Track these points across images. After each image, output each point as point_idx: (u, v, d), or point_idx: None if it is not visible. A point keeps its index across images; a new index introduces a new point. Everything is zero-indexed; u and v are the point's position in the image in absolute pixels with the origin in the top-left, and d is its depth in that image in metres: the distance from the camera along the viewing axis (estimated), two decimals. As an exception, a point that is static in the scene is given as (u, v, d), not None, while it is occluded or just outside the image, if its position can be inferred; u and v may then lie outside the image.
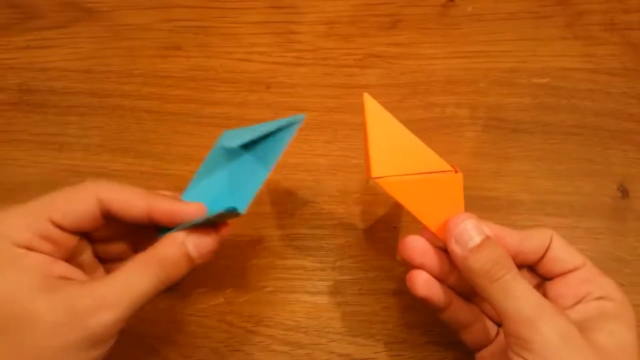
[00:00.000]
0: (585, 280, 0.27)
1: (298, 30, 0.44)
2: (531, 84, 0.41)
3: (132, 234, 0.29)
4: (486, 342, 0.30)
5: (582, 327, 0.24)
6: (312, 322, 0.34)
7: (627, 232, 0.36)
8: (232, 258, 0.36)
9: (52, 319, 0.22)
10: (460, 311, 0.29)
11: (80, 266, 0.27)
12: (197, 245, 0.26)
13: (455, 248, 0.26)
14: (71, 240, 0.25)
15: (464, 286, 0.29)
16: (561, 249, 0.27)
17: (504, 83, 0.41)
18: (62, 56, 0.44)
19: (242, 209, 0.26)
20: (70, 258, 0.26)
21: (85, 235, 0.27)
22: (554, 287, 0.28)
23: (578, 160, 0.38)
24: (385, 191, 0.27)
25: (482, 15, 0.44)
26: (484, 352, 0.30)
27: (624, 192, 0.37)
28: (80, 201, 0.25)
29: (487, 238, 0.26)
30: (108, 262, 0.29)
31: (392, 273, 0.35)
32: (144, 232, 0.28)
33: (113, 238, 0.28)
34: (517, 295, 0.24)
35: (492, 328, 0.30)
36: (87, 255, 0.28)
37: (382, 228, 0.37)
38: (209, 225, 0.27)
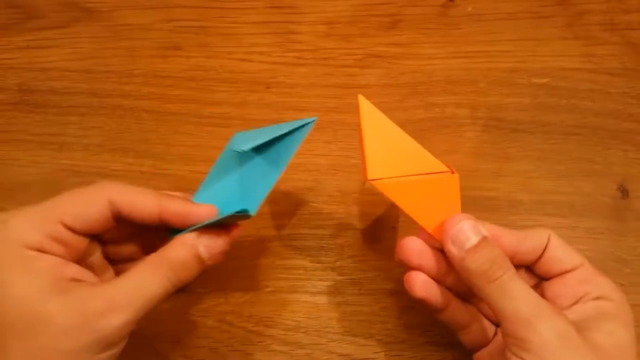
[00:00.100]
0: (583, 280, 0.27)
1: (298, 30, 0.44)
2: (531, 84, 0.41)
3: (142, 235, 0.29)
4: (484, 343, 0.30)
5: (580, 327, 0.24)
6: (312, 322, 0.34)
7: (627, 232, 0.36)
8: (233, 258, 0.36)
9: (64, 322, 0.22)
10: (458, 312, 0.29)
11: (90, 267, 0.27)
12: (208, 246, 0.26)
13: (452, 249, 0.26)
14: (82, 242, 0.25)
15: (462, 287, 0.29)
16: (559, 248, 0.27)
17: (504, 83, 0.41)
18: (62, 56, 0.44)
19: (253, 210, 0.26)
20: (81, 259, 0.26)
21: (96, 236, 0.27)
22: (552, 287, 0.27)
23: (578, 160, 0.38)
24: (381, 193, 0.27)
25: (482, 15, 0.44)
26: (482, 353, 0.30)
27: (624, 192, 0.37)
28: (92, 203, 0.25)
29: (484, 238, 0.26)
30: (118, 264, 0.29)
31: (391, 273, 0.35)
32: (154, 233, 0.28)
33: (123, 239, 0.28)
34: (514, 295, 0.24)
35: (490, 328, 0.30)
36: (97, 256, 0.28)
37: (382, 228, 0.37)
38: (219, 226, 0.27)
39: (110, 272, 0.29)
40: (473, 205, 0.37)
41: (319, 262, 0.36)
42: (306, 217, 0.37)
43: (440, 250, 0.28)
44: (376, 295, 0.35)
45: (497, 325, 0.30)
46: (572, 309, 0.26)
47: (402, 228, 0.37)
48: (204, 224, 0.26)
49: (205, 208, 0.26)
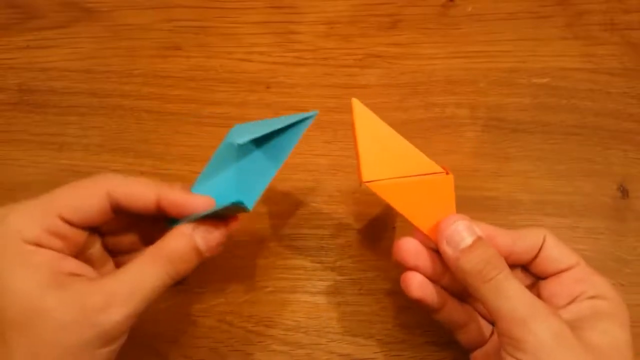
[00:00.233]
0: (579, 280, 0.27)
1: (298, 30, 0.44)
2: (531, 84, 0.41)
3: (141, 226, 0.29)
4: (481, 342, 0.30)
5: (576, 326, 0.24)
6: (312, 322, 0.34)
7: (627, 232, 0.36)
8: (233, 258, 0.36)
9: (62, 317, 0.22)
10: (454, 312, 0.29)
11: (89, 260, 0.27)
12: (206, 238, 0.26)
13: (447, 249, 0.26)
14: (80, 236, 0.25)
15: (458, 287, 0.29)
16: (555, 248, 0.27)
17: (504, 83, 0.41)
18: (62, 56, 0.44)
19: (250, 205, 0.26)
20: (80, 252, 0.26)
21: (95, 229, 0.27)
22: (548, 286, 0.28)
23: (578, 160, 0.38)
24: (376, 194, 0.27)
25: (482, 15, 0.44)
26: (479, 352, 0.30)
27: (624, 192, 0.37)
28: (90, 196, 0.25)
29: (479, 238, 0.26)
30: (117, 255, 0.29)
31: (391, 273, 0.35)
32: (152, 224, 0.28)
33: (122, 230, 0.28)
34: (509, 295, 0.24)
35: (487, 328, 0.30)
36: (96, 248, 0.28)
37: (382, 228, 0.37)
38: (217, 218, 0.27)
39: (110, 263, 0.29)
40: (473, 205, 0.37)
41: (319, 262, 0.36)
42: (306, 217, 0.37)
43: (436, 251, 0.28)
44: (376, 295, 0.35)
45: (493, 324, 0.30)
46: (567, 308, 0.26)
47: (402, 228, 0.37)
48: (201, 215, 0.26)
49: (203, 199, 0.26)
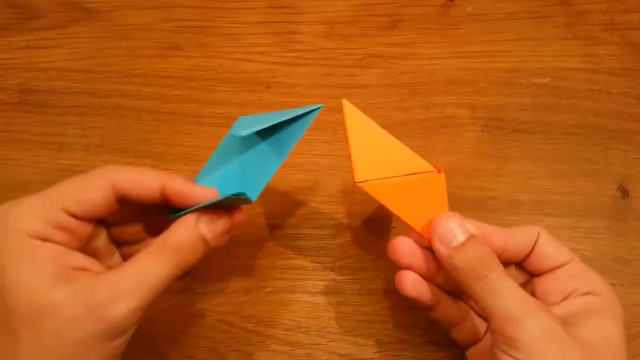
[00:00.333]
0: (573, 276, 0.27)
1: (298, 30, 0.44)
2: (531, 84, 0.41)
3: (145, 216, 0.29)
4: (475, 340, 0.30)
5: (570, 322, 0.24)
6: (312, 322, 0.34)
7: (627, 232, 0.36)
8: (233, 258, 0.36)
9: (70, 312, 0.22)
10: (449, 309, 0.29)
11: (95, 252, 0.27)
12: (211, 227, 0.26)
13: (440, 247, 0.26)
14: (86, 228, 0.25)
15: (452, 285, 0.29)
16: (548, 244, 0.28)
17: (504, 83, 0.41)
18: (62, 56, 0.44)
19: (253, 196, 0.26)
20: (85, 244, 0.26)
21: (100, 220, 0.27)
22: (542, 283, 0.28)
23: (578, 160, 0.38)
24: (369, 195, 0.27)
25: (482, 15, 0.44)
26: (474, 350, 0.30)
27: (624, 192, 0.37)
28: (94, 188, 0.25)
29: (472, 236, 0.26)
30: (123, 246, 0.29)
31: (392, 273, 0.35)
32: (157, 213, 0.28)
33: (127, 221, 0.28)
34: (502, 293, 0.24)
35: (481, 326, 0.30)
36: (102, 240, 0.28)
37: (382, 228, 0.37)
38: (220, 208, 0.27)
39: (116, 255, 0.29)
40: (473, 205, 0.37)
41: (319, 262, 0.36)
42: (306, 217, 0.37)
43: (430, 249, 0.28)
44: (376, 295, 0.35)
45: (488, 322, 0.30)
46: (561, 305, 0.26)
47: (401, 228, 0.37)
48: (205, 204, 0.26)
49: (207, 189, 0.26)
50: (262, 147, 0.28)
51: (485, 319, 0.30)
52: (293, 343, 0.34)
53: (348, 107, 0.28)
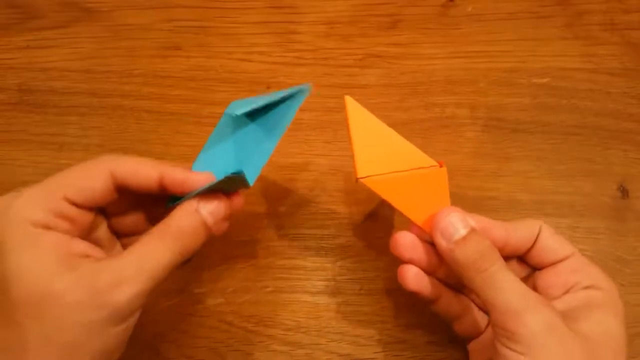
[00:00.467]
0: (575, 270, 0.27)
1: (298, 30, 0.44)
2: (531, 84, 0.41)
3: (145, 206, 0.29)
4: (477, 333, 0.30)
5: (570, 316, 0.24)
6: (312, 322, 0.34)
7: (627, 232, 0.36)
8: (232, 258, 0.36)
9: (74, 298, 0.22)
10: (450, 303, 0.29)
11: (96, 242, 0.27)
12: (211, 212, 0.26)
13: (441, 241, 0.26)
14: (87, 217, 0.25)
15: (454, 278, 0.29)
16: (550, 238, 0.28)
17: (504, 83, 0.41)
18: (62, 56, 0.44)
19: (251, 179, 0.26)
20: (87, 234, 0.26)
21: (100, 210, 0.27)
22: (544, 277, 0.28)
23: (578, 160, 0.38)
24: (372, 190, 0.28)
25: (482, 15, 0.44)
26: (475, 343, 0.30)
27: (624, 192, 0.37)
28: (94, 177, 0.25)
29: (473, 230, 0.26)
30: (124, 237, 0.29)
31: (392, 273, 0.35)
32: (156, 203, 0.28)
33: (127, 211, 0.29)
34: (503, 287, 0.24)
35: (483, 319, 0.30)
36: (102, 230, 0.28)
37: (383, 228, 0.37)
38: (220, 194, 0.27)
39: (117, 245, 0.29)
40: (473, 205, 0.37)
41: (319, 262, 0.36)
42: (306, 217, 0.37)
43: (432, 244, 0.28)
44: (376, 295, 0.35)
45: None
46: (562, 299, 0.26)
47: (401, 228, 0.37)
48: (202, 188, 0.26)
49: (204, 175, 0.26)
50: (256, 130, 0.28)
51: (487, 313, 0.30)
52: (293, 343, 0.34)
53: (350, 103, 0.28)
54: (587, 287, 0.26)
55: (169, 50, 0.44)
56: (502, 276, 0.24)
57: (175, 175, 0.26)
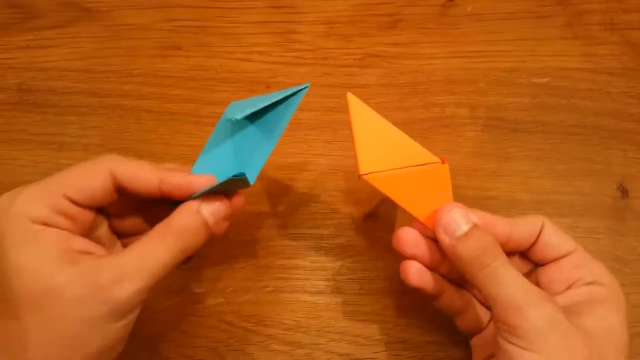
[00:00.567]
0: (577, 266, 0.27)
1: (298, 30, 0.44)
2: (531, 84, 0.41)
3: (146, 208, 0.29)
4: (479, 329, 0.30)
5: (573, 311, 0.24)
6: (312, 322, 0.34)
7: (627, 232, 0.36)
8: (232, 258, 0.36)
9: (75, 294, 0.22)
10: (453, 299, 0.29)
11: (98, 241, 0.27)
12: (213, 212, 0.26)
13: (444, 237, 0.26)
14: (87, 216, 0.26)
15: (456, 274, 0.30)
16: (553, 235, 0.28)
17: (504, 83, 0.41)
18: (62, 56, 0.44)
19: (252, 179, 0.26)
20: (88, 233, 0.26)
21: (102, 210, 0.27)
22: (547, 273, 0.28)
23: (578, 160, 0.38)
24: (374, 187, 0.28)
25: (482, 15, 0.44)
26: (478, 339, 0.30)
27: (624, 192, 0.37)
28: (95, 177, 0.25)
29: (475, 226, 0.26)
30: (124, 238, 0.29)
31: (392, 273, 0.35)
32: (158, 206, 0.28)
33: (128, 212, 0.29)
34: (505, 282, 0.24)
35: (485, 315, 0.30)
36: (103, 230, 0.28)
37: (383, 228, 0.37)
38: (221, 195, 0.27)
39: (118, 245, 0.29)
40: (473, 205, 0.36)
41: (319, 262, 0.36)
42: (306, 217, 0.37)
43: (435, 240, 0.28)
44: (376, 295, 0.35)
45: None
46: (565, 294, 0.26)
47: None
48: (204, 190, 0.26)
49: (204, 178, 0.27)
50: (255, 131, 0.28)
51: (489, 308, 0.30)
52: (293, 343, 0.34)
53: (353, 100, 0.28)
54: (590, 283, 0.26)
55: (169, 50, 0.44)
56: (504, 272, 0.24)
57: (175, 180, 0.26)
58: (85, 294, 0.22)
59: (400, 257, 0.29)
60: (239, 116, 0.27)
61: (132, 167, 0.26)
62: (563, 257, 0.27)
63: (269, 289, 0.35)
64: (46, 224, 0.23)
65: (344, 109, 0.40)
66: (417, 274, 0.28)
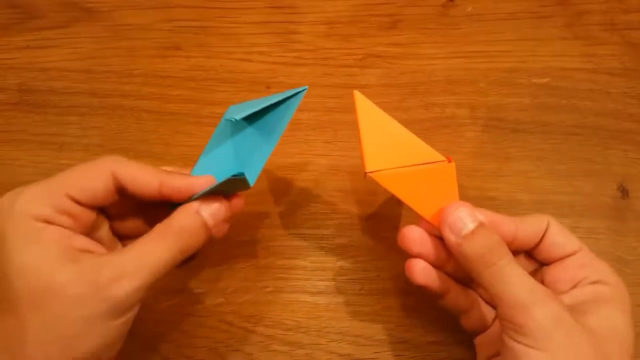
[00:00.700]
0: (583, 265, 0.27)
1: (298, 30, 0.44)
2: (531, 84, 0.41)
3: (146, 210, 0.29)
4: (483, 327, 0.30)
5: (578, 310, 0.25)
6: (312, 322, 0.34)
7: (627, 232, 0.36)
8: (232, 258, 0.36)
9: (75, 291, 0.22)
10: (458, 297, 0.29)
11: (98, 241, 0.27)
12: (212, 212, 0.26)
13: (450, 236, 0.26)
14: (89, 216, 0.26)
15: (462, 273, 0.30)
16: (558, 234, 0.28)
17: (504, 83, 0.41)
18: (62, 56, 0.44)
19: (251, 180, 0.27)
20: (89, 233, 0.26)
21: (103, 211, 0.27)
22: (552, 271, 0.28)
23: (578, 160, 0.38)
24: (380, 185, 0.28)
25: (482, 15, 0.44)
26: (482, 337, 0.30)
27: (624, 192, 0.37)
28: (96, 177, 0.25)
29: (481, 225, 0.26)
30: (125, 239, 0.30)
31: (392, 273, 0.35)
32: (158, 208, 0.28)
33: (128, 214, 0.29)
34: (511, 280, 0.24)
35: (490, 313, 0.30)
36: (105, 231, 0.28)
37: (383, 228, 0.37)
38: (220, 195, 0.27)
39: (118, 246, 0.29)
40: (473, 205, 0.37)
41: (319, 262, 0.36)
42: (306, 217, 0.37)
43: (440, 238, 0.28)
44: (377, 295, 0.35)
45: (496, 309, 0.30)
46: (570, 293, 0.26)
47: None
48: (204, 191, 0.26)
49: (204, 179, 0.27)
50: (254, 133, 0.29)
51: (494, 307, 0.30)
52: (293, 343, 0.34)
53: (359, 98, 0.28)
54: (594, 282, 0.26)
55: (169, 50, 0.44)
56: (510, 270, 0.25)
57: (175, 183, 0.26)
58: (85, 292, 0.22)
59: (403, 257, 0.29)
60: (238, 116, 0.27)
61: (133, 169, 0.26)
62: (568, 256, 0.28)
63: (269, 289, 0.35)
64: (48, 222, 0.24)
65: (344, 109, 0.41)
66: (422, 271, 0.28)
